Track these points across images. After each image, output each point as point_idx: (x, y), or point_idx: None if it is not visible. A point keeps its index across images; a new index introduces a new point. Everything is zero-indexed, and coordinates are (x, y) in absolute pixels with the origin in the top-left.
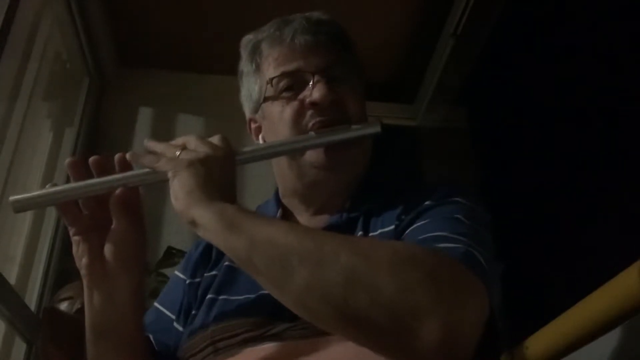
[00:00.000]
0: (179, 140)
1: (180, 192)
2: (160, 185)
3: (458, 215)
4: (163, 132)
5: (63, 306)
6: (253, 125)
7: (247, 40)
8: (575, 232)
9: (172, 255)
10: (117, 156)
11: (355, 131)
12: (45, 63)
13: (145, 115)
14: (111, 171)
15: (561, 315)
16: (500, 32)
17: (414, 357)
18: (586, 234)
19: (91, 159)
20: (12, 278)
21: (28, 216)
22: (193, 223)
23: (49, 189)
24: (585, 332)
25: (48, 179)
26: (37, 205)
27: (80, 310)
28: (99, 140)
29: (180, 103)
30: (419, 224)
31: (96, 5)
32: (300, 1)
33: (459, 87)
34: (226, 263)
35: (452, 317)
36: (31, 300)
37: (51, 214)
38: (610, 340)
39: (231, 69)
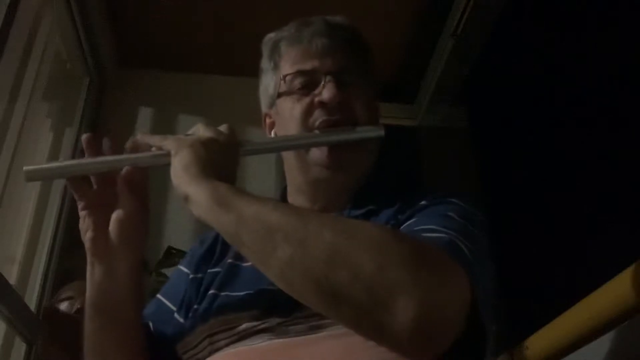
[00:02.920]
0: (188, 131)
1: (178, 168)
2: (161, 185)
3: (450, 213)
4: (163, 132)
5: (63, 306)
6: (268, 120)
7: (268, 39)
8: (575, 232)
9: (172, 255)
10: (128, 142)
11: (359, 133)
12: (45, 63)
13: (145, 115)
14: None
15: (561, 315)
16: (500, 32)
17: (389, 336)
18: (586, 233)
19: (105, 138)
20: (12, 278)
21: (28, 216)
22: (187, 199)
23: (60, 162)
24: (585, 332)
25: None
26: (48, 176)
27: (80, 310)
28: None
29: (180, 103)
30: (411, 221)
31: (96, 5)
32: (301, 2)
33: (459, 87)
34: (229, 260)
35: (428, 298)
36: (31, 300)
37: (51, 213)
38: (611, 340)
39: (231, 69)
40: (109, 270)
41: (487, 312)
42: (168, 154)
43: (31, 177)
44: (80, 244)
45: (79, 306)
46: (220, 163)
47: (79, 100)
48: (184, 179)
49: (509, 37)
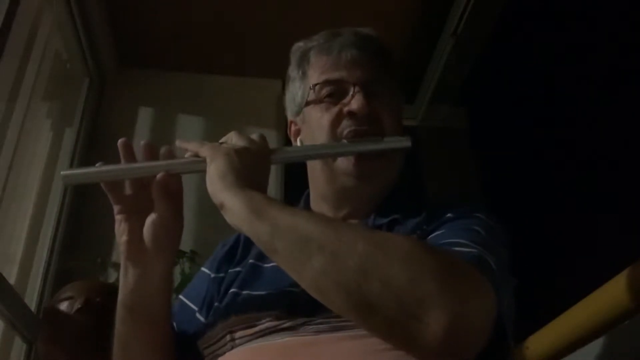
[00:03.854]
0: (222, 139)
1: (214, 176)
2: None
3: (476, 228)
4: (163, 132)
5: (63, 306)
6: (293, 128)
7: (297, 47)
8: (576, 232)
9: None
10: (163, 149)
11: (386, 143)
12: (45, 63)
13: (145, 115)
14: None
15: (561, 315)
16: (500, 32)
17: (420, 346)
18: (587, 233)
19: (143, 143)
20: (12, 278)
21: (28, 216)
22: (222, 206)
23: (97, 167)
24: (585, 332)
25: (48, 178)
26: (85, 180)
27: (80, 310)
28: (99, 140)
29: (180, 103)
30: (438, 232)
31: (96, 5)
32: (302, 3)
33: (459, 87)
34: (251, 261)
35: (458, 310)
36: (31, 300)
37: (51, 213)
38: (610, 340)
39: (231, 69)
40: (142, 273)
41: (509, 326)
42: (203, 161)
43: (68, 181)
44: (80, 244)
45: (79, 306)
46: (253, 171)
47: (79, 100)
48: (219, 187)
49: (509, 37)
